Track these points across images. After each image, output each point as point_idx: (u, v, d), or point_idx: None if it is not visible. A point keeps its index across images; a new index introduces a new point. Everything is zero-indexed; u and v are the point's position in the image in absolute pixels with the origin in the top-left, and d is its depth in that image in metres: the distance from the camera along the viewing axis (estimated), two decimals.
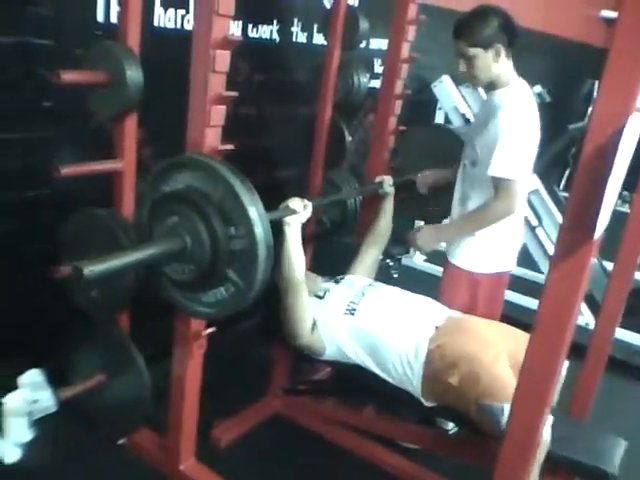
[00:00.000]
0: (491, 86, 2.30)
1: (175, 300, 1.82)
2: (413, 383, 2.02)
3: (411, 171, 2.76)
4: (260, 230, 1.55)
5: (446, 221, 2.60)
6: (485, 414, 1.87)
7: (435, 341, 2.02)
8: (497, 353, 1.95)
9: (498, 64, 2.22)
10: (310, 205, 2.02)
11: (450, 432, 2.63)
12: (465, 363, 1.93)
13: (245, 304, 1.67)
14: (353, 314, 2.14)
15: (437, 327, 2.09)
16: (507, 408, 1.76)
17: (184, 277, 1.69)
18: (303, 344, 2.15)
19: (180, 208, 1.63)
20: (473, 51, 2.20)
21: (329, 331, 2.13)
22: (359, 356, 2.11)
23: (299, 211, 1.98)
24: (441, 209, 2.70)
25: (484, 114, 2.38)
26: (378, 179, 2.60)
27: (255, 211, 1.55)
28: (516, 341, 1.95)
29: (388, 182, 2.57)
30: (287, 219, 1.97)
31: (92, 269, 1.39)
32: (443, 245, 2.53)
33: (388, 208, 2.59)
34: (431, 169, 2.70)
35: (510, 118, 2.18)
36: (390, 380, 2.07)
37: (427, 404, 2.03)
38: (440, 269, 2.64)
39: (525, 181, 2.29)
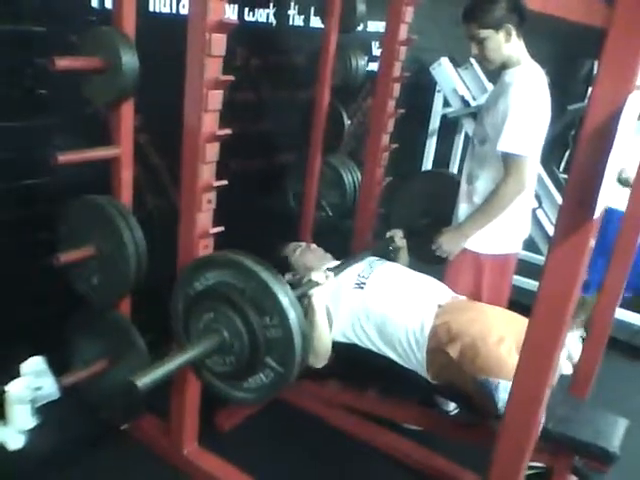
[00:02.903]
0: (503, 66, 2.30)
1: (216, 388, 1.86)
2: (417, 356, 2.04)
3: (408, 220, 2.77)
4: (293, 315, 1.61)
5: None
6: (480, 389, 1.89)
7: (441, 317, 2.04)
8: (503, 336, 1.95)
9: (509, 44, 2.23)
10: (332, 275, 2.10)
11: (451, 414, 2.65)
12: (468, 338, 1.95)
13: (285, 387, 1.73)
14: (362, 288, 2.16)
15: (440, 305, 2.11)
16: (502, 385, 1.80)
17: (225, 368, 1.75)
18: None
19: (215, 304, 1.69)
20: (484, 33, 2.20)
21: (337, 306, 2.15)
22: (365, 332, 2.12)
23: (322, 283, 2.05)
24: None
25: (495, 93, 2.38)
26: (389, 234, 2.59)
27: (287, 299, 1.61)
28: (522, 328, 1.96)
29: (399, 235, 2.57)
30: (312, 291, 2.03)
31: (144, 381, 1.48)
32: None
33: (403, 259, 2.59)
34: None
35: (520, 95, 2.18)
36: (393, 356, 2.09)
37: (429, 379, 2.04)
38: None
39: (535, 160, 2.28)
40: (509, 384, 1.76)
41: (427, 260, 2.59)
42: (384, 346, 2.10)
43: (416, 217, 2.78)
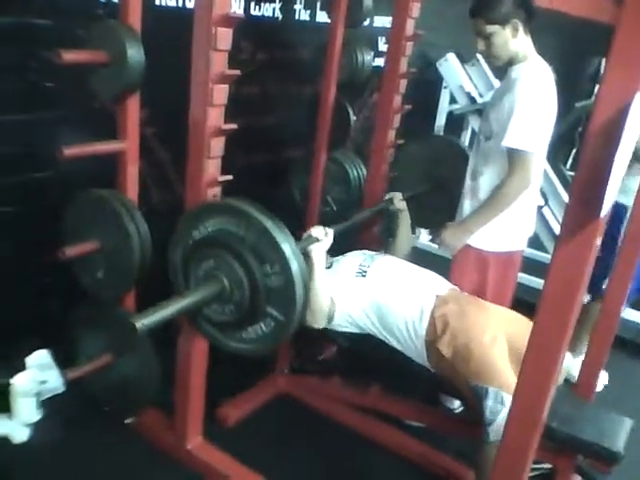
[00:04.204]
0: (509, 62, 2.29)
1: (214, 338, 1.85)
2: (417, 345, 2.04)
3: (413, 184, 2.76)
4: (295, 265, 1.60)
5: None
6: (472, 393, 1.90)
7: (440, 308, 2.05)
8: (496, 335, 1.96)
9: (516, 40, 2.22)
10: (331, 232, 2.09)
11: (456, 411, 2.64)
12: (463, 337, 1.95)
13: (286, 337, 1.72)
14: (364, 276, 2.17)
15: (438, 296, 2.11)
16: (492, 391, 1.82)
17: (224, 317, 1.74)
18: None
19: (215, 252, 1.67)
20: (491, 29, 2.19)
21: (340, 294, 2.14)
22: (368, 317, 2.12)
23: (321, 239, 2.04)
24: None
25: (501, 89, 2.37)
26: (388, 196, 2.59)
27: (289, 248, 1.60)
28: (517, 326, 1.97)
29: (398, 198, 2.56)
30: (311, 247, 2.02)
31: (143, 322, 1.46)
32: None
33: (405, 224, 2.58)
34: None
35: (527, 91, 2.17)
36: (395, 343, 2.10)
37: (430, 368, 2.05)
38: None
39: (541, 156, 2.26)
40: (499, 392, 1.79)
41: (427, 225, 2.57)
42: (386, 332, 2.11)
43: (419, 181, 2.79)
